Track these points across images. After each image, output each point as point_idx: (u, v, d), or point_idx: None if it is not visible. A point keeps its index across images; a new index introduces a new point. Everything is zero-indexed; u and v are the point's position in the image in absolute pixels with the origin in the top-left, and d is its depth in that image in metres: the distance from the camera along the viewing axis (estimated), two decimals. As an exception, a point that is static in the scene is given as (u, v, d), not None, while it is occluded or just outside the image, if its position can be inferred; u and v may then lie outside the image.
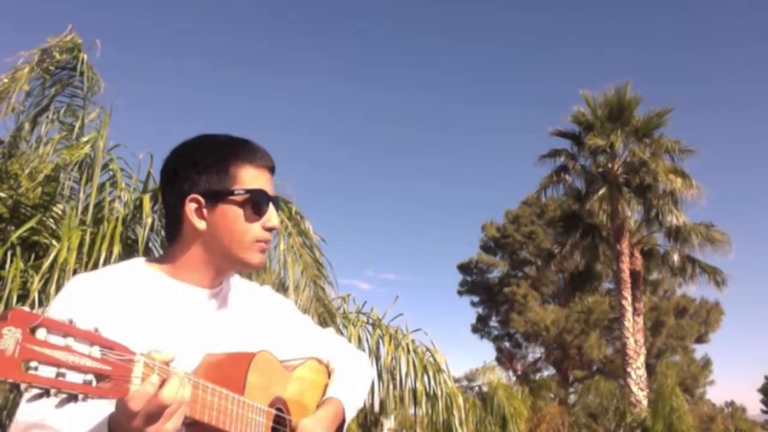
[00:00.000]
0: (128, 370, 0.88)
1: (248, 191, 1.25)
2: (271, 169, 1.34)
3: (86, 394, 0.80)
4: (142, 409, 0.91)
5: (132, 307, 1.18)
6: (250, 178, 1.27)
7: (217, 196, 1.25)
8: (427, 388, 5.33)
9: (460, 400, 5.53)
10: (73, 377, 0.79)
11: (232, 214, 1.25)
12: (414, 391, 5.19)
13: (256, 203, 1.26)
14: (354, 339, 4.94)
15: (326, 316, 4.51)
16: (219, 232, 1.26)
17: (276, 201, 1.32)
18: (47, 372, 0.76)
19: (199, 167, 1.26)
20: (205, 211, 1.25)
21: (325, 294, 4.63)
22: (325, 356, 1.54)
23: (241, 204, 1.25)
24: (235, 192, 1.25)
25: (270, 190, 1.30)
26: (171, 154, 1.32)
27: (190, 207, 1.25)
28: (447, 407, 5.36)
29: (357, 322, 5.18)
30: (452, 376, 5.75)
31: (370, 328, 5.34)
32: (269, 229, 1.29)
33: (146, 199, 3.66)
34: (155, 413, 0.92)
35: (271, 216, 1.29)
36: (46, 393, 0.77)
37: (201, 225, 1.25)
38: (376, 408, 5.30)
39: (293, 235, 4.40)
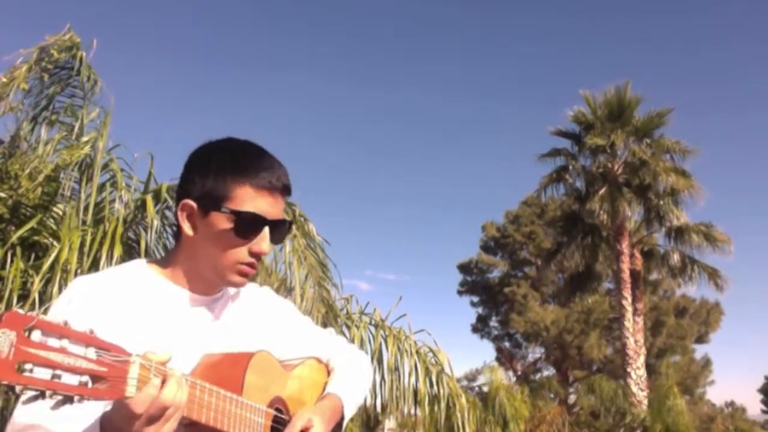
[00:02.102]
0: (124, 371, 0.87)
1: (234, 212, 1.19)
2: (281, 190, 1.25)
3: (82, 396, 0.80)
4: (145, 411, 0.91)
5: (132, 308, 1.18)
6: (245, 198, 1.20)
7: (206, 207, 1.21)
8: (430, 389, 5.33)
9: (463, 401, 5.53)
10: (69, 379, 0.79)
11: (218, 229, 1.20)
12: (416, 392, 5.20)
13: (243, 227, 1.20)
14: (357, 340, 4.95)
15: (330, 317, 4.52)
16: (206, 243, 1.22)
17: (278, 224, 1.25)
18: (42, 374, 0.76)
19: (202, 171, 1.23)
20: (196, 219, 1.23)
21: (329, 295, 4.63)
22: (324, 355, 1.54)
23: (229, 224, 1.20)
24: (221, 209, 1.20)
25: (271, 212, 1.23)
26: (191, 153, 1.29)
27: (183, 213, 1.23)
28: (449, 407, 5.37)
29: (360, 324, 5.18)
30: (454, 377, 5.76)
31: (372, 329, 5.35)
32: (255, 254, 1.23)
33: (149, 199, 3.65)
34: (157, 415, 0.93)
35: (260, 241, 1.22)
36: (41, 395, 0.77)
37: (189, 231, 1.23)
38: (378, 408, 5.31)
39: (297, 237, 4.39)
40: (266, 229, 1.23)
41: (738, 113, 51.94)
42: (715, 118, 49.86)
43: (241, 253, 1.22)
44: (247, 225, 1.20)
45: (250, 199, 1.20)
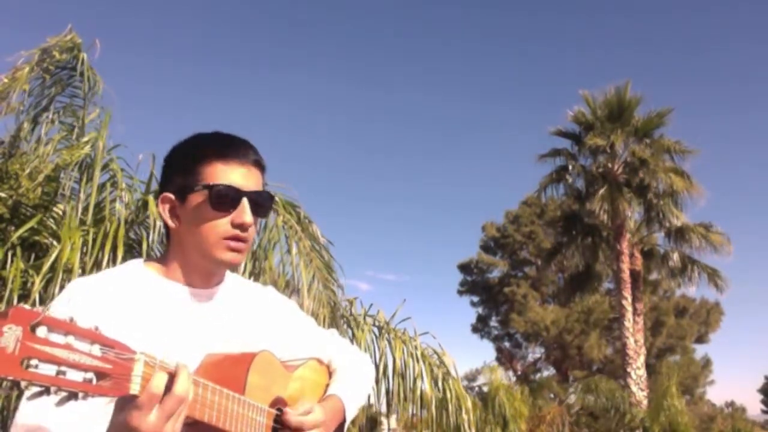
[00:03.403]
0: (129, 369, 0.88)
1: (206, 186, 1.22)
2: (253, 163, 1.28)
3: (86, 393, 0.80)
4: (159, 405, 0.91)
5: (130, 307, 1.19)
6: (215, 173, 1.23)
7: (183, 194, 1.25)
8: (436, 392, 5.34)
9: (469, 403, 5.54)
10: (74, 375, 0.79)
11: (197, 210, 1.24)
12: (421, 395, 5.20)
13: (218, 199, 1.22)
14: (362, 343, 4.95)
15: (336, 319, 4.51)
16: (189, 229, 1.25)
17: (256, 195, 1.26)
18: (47, 370, 0.76)
19: (173, 167, 1.29)
20: (177, 210, 1.26)
21: (335, 297, 4.63)
22: (326, 357, 1.53)
23: (205, 200, 1.22)
24: (195, 188, 1.23)
25: (245, 185, 1.24)
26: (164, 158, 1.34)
27: (164, 206, 1.27)
28: (456, 410, 5.37)
29: (365, 326, 5.18)
30: (459, 379, 5.76)
31: (376, 330, 5.34)
32: (238, 226, 1.24)
33: (151, 200, 3.65)
34: (172, 410, 0.93)
35: (241, 211, 1.23)
36: (46, 391, 0.77)
37: (172, 223, 1.27)
38: (383, 410, 5.31)
39: (303, 239, 4.39)
40: (245, 201, 1.24)
41: (738, 113, 52.02)
42: (715, 118, 49.96)
43: (223, 226, 1.24)
44: (222, 197, 1.22)
45: (221, 173, 1.23)
